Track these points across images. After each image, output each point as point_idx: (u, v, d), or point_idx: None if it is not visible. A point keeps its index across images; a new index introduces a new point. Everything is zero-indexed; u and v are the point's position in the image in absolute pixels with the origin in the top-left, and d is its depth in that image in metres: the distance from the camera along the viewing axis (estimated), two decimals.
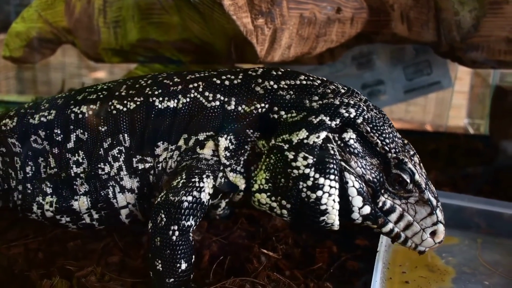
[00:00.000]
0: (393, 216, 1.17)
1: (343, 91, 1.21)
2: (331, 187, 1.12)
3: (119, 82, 1.33)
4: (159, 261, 1.15)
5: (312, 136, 1.12)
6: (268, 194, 1.16)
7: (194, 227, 1.17)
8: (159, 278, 1.17)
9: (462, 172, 2.05)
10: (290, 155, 1.12)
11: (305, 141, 1.12)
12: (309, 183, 1.12)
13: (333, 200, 1.13)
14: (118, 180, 1.25)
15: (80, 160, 1.26)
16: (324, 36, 1.70)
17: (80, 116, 1.28)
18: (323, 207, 1.13)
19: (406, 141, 1.22)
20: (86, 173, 1.26)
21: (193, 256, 1.18)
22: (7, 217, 1.30)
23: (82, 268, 1.29)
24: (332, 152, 1.12)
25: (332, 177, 1.12)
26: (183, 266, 1.16)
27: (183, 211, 1.14)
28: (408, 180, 1.15)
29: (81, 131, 1.27)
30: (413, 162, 1.17)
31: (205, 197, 1.16)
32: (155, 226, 1.15)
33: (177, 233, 1.14)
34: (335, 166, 1.12)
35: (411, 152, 1.20)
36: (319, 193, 1.12)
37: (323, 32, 1.69)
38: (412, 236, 1.18)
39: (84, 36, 1.97)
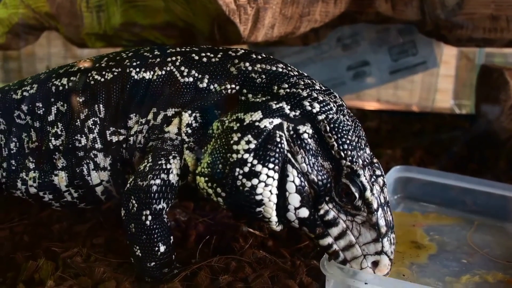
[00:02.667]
0: (334, 231, 1.08)
1: (317, 87, 1.16)
2: (268, 176, 1.05)
3: (101, 55, 1.33)
4: (137, 247, 1.16)
5: (265, 120, 1.07)
6: (206, 179, 1.11)
7: (167, 209, 1.16)
8: (140, 263, 1.17)
9: (448, 150, 2.06)
10: (235, 137, 1.07)
11: (257, 123, 1.07)
12: (246, 169, 1.06)
13: (270, 191, 1.06)
14: (92, 156, 1.24)
15: (59, 132, 1.26)
16: (308, 16, 1.70)
17: (61, 88, 1.28)
18: (258, 198, 1.06)
19: (376, 161, 1.14)
20: (64, 146, 1.25)
21: (171, 237, 1.18)
22: None
23: (67, 250, 1.29)
24: (278, 140, 1.06)
25: (271, 166, 1.06)
26: (162, 249, 1.16)
27: (153, 195, 1.13)
28: (357, 194, 1.06)
29: (61, 103, 1.27)
30: (373, 180, 1.09)
31: (173, 178, 1.15)
32: (128, 213, 1.15)
33: (150, 217, 1.13)
34: (277, 155, 1.06)
35: (378, 172, 1.12)
36: (255, 181, 1.05)
37: (307, 12, 1.68)
38: (351, 259, 1.09)
39: (66, 21, 1.96)
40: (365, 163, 1.10)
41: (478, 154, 2.03)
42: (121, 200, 1.17)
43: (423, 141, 2.15)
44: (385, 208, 1.10)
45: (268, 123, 1.07)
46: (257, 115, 1.08)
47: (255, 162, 1.05)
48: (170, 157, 1.16)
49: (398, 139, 2.13)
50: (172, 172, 1.15)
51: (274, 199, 1.07)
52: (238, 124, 1.09)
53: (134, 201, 1.13)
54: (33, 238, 1.39)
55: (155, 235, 1.14)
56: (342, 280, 1.09)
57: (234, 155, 1.06)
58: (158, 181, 1.13)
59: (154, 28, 1.81)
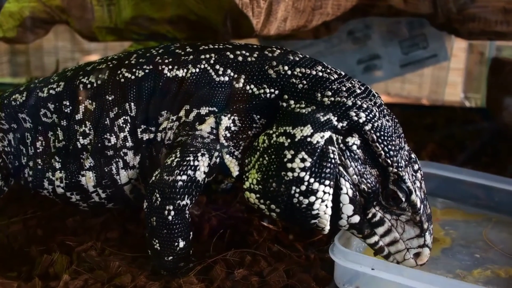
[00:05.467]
0: (380, 230, 1.12)
1: (358, 91, 1.14)
2: (325, 192, 1.06)
3: (130, 52, 1.31)
4: (157, 241, 1.15)
5: (317, 135, 1.06)
6: (257, 196, 1.11)
7: (190, 206, 1.16)
8: (158, 256, 1.17)
9: (460, 144, 2.06)
10: (289, 154, 1.06)
11: (309, 139, 1.06)
12: (303, 188, 1.06)
13: (326, 205, 1.07)
14: (122, 155, 1.23)
15: (87, 131, 1.25)
16: (320, 9, 1.69)
17: (89, 86, 1.27)
18: (314, 212, 1.08)
19: (413, 155, 1.16)
20: (92, 145, 1.24)
21: (191, 233, 1.18)
22: (5, 194, 1.29)
23: (82, 243, 1.29)
24: (332, 155, 1.07)
25: (327, 182, 1.06)
26: (181, 244, 1.16)
27: (177, 190, 1.12)
28: (403, 199, 1.09)
29: (90, 101, 1.26)
30: (414, 178, 1.12)
31: (200, 176, 1.14)
32: (151, 206, 1.14)
33: (172, 212, 1.13)
34: (332, 171, 1.06)
35: (416, 167, 1.14)
36: (312, 198, 1.06)
37: (319, 5, 1.68)
38: (395, 252, 1.13)
39: (77, 15, 1.95)
40: (406, 162, 1.12)
41: (490, 148, 2.02)
42: (143, 194, 1.16)
43: (435, 135, 2.15)
44: (425, 203, 1.13)
45: (319, 138, 1.06)
46: (307, 129, 1.07)
47: (312, 180, 1.06)
48: (199, 154, 1.15)
49: (410, 132, 2.10)
50: (199, 169, 1.14)
51: (329, 211, 1.08)
52: (289, 140, 1.08)
53: (158, 195, 1.12)
54: (47, 232, 1.39)
55: (176, 230, 1.14)
56: (350, 265, 1.11)
57: (290, 174, 1.06)
58: (184, 177, 1.13)
59: (165, 21, 1.81)
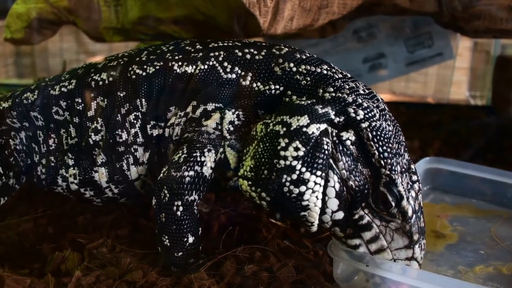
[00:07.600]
0: (367, 235, 1.10)
1: (362, 92, 1.14)
2: (315, 183, 1.06)
3: (140, 49, 1.33)
4: (166, 237, 1.16)
5: (313, 126, 1.06)
6: (249, 183, 1.11)
7: (198, 201, 1.17)
8: (168, 252, 1.18)
9: (465, 141, 2.06)
10: (283, 143, 1.06)
11: (304, 129, 1.05)
12: (294, 176, 1.05)
13: (316, 197, 1.06)
14: (133, 151, 1.25)
15: (99, 128, 1.27)
16: (326, 8, 1.70)
17: (101, 83, 1.28)
18: (304, 203, 1.07)
19: (414, 167, 1.14)
20: (104, 142, 1.26)
21: (200, 229, 1.19)
22: (16, 193, 1.30)
23: (92, 241, 1.30)
24: (326, 147, 1.06)
25: (319, 173, 1.05)
26: (190, 239, 1.17)
27: (185, 186, 1.13)
28: (393, 203, 1.07)
29: (102, 98, 1.27)
30: (409, 187, 1.10)
31: (207, 171, 1.16)
32: (159, 202, 1.15)
33: (181, 208, 1.14)
34: (324, 162, 1.06)
35: (414, 178, 1.12)
36: (303, 188, 1.05)
37: (325, 4, 1.68)
38: None
39: (85, 16, 1.96)
40: (403, 169, 1.10)
41: (495, 145, 2.03)
42: (153, 189, 1.18)
43: (441, 132, 2.15)
44: (419, 214, 1.11)
45: (315, 129, 1.06)
46: (304, 119, 1.06)
47: (304, 169, 1.05)
48: (205, 150, 1.16)
49: (416, 130, 2.14)
50: (206, 165, 1.15)
51: (319, 204, 1.07)
52: (284, 129, 1.07)
53: (166, 191, 1.14)
54: (58, 230, 1.41)
55: (185, 226, 1.15)
56: (347, 262, 1.11)
57: (282, 162, 1.06)
58: (191, 173, 1.14)
59: (172, 21, 1.81)
